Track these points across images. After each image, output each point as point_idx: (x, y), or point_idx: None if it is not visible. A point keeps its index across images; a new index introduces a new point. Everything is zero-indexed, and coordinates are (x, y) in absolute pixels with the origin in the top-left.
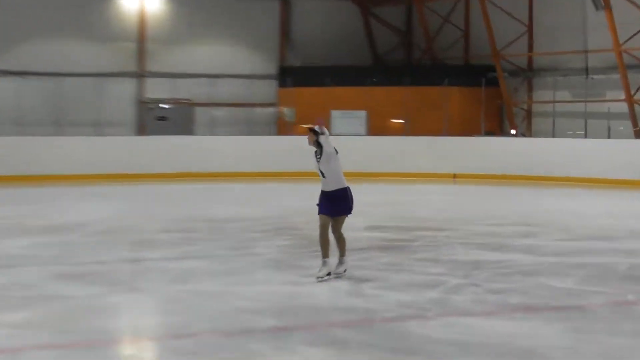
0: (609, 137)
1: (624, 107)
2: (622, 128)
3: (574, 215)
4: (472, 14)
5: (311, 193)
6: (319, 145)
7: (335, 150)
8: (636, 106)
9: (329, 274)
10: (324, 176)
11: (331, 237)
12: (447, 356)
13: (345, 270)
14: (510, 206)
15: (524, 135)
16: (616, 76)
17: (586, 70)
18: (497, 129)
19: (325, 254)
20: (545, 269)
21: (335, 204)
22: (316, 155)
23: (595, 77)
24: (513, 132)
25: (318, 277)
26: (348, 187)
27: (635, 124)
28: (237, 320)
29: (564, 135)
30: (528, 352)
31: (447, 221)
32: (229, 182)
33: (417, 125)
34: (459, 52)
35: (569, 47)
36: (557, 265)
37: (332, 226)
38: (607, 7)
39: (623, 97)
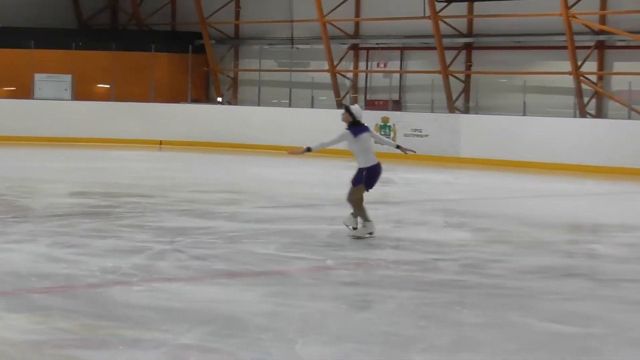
0: (312, 106)
1: (327, 77)
2: (324, 98)
3: (279, 183)
4: None
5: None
6: (349, 125)
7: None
8: (339, 76)
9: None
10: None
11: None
12: (151, 322)
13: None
14: (216, 173)
15: (229, 103)
16: (320, 46)
17: (291, 40)
18: (204, 96)
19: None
20: (249, 235)
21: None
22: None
23: (300, 46)
24: (219, 99)
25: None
26: (364, 168)
27: (337, 94)
28: None
29: (269, 103)
30: (231, 317)
31: (153, 188)
32: None
33: (124, 91)
34: (167, 18)
35: (275, 16)
36: (261, 232)
37: None
38: None
39: (326, 67)
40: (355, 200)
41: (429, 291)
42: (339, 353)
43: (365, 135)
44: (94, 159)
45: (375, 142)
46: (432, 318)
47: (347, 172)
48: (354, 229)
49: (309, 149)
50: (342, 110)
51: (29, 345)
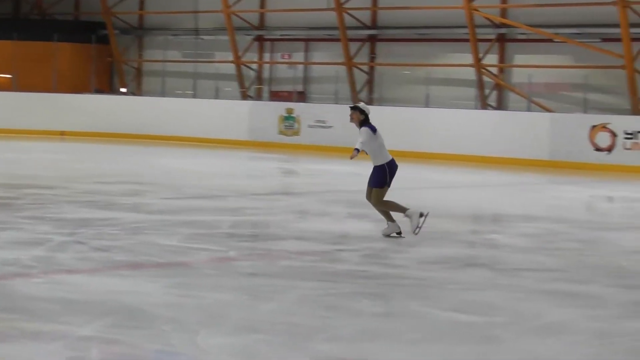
0: (217, 97)
1: (231, 68)
2: (229, 89)
3: (182, 174)
4: None
5: None
6: (361, 125)
7: (372, 129)
8: (243, 67)
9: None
10: (366, 153)
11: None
12: (52, 314)
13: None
14: (120, 164)
15: (134, 94)
16: (225, 38)
17: (196, 31)
18: (108, 86)
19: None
20: (152, 226)
21: (370, 179)
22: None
23: (205, 37)
24: (123, 90)
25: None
26: (384, 164)
27: (242, 85)
28: None
29: (173, 94)
30: (133, 308)
31: (55, 179)
32: None
33: (26, 81)
34: (69, 7)
35: (180, 7)
36: (164, 223)
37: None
38: None
39: (231, 58)
40: (384, 202)
41: (332, 281)
42: (241, 343)
43: (378, 131)
44: None
45: None
46: (334, 308)
47: (250, 163)
48: (398, 234)
49: (357, 150)
50: (350, 111)
51: None
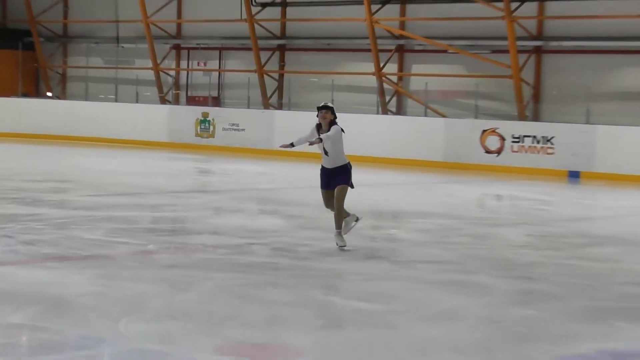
0: (137, 101)
1: (151, 74)
2: (148, 94)
3: (105, 173)
4: None
5: None
6: (330, 125)
7: (342, 130)
8: (162, 74)
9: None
10: (327, 154)
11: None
12: None
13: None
14: (45, 164)
15: (58, 98)
16: (144, 46)
17: (117, 39)
18: (34, 91)
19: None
20: (76, 221)
21: (334, 178)
22: (319, 133)
23: (125, 45)
24: (49, 94)
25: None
26: (348, 163)
27: (161, 91)
28: None
29: (96, 99)
30: (59, 297)
31: None
32: None
33: None
34: None
35: (102, 16)
36: (87, 218)
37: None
38: None
39: (150, 65)
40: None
41: (244, 272)
42: (160, 330)
43: None
44: None
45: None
46: (246, 297)
47: (169, 163)
48: (357, 220)
49: (320, 140)
50: (323, 111)
51: None
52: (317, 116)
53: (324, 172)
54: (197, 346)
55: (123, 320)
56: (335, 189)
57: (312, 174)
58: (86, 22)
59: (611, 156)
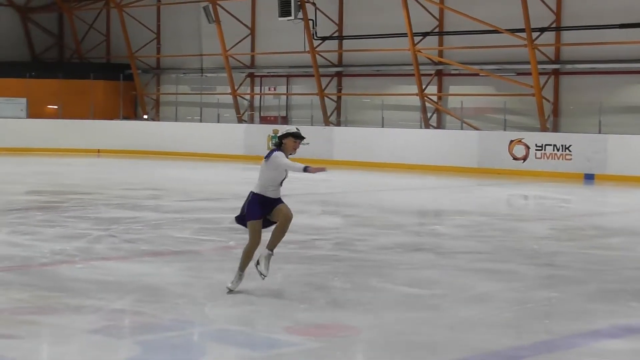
0: (218, 121)
1: (229, 98)
2: (228, 115)
3: (192, 182)
4: (112, 22)
5: None
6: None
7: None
8: (239, 98)
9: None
10: (281, 185)
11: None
12: (90, 292)
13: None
14: (142, 175)
15: (153, 120)
16: (224, 75)
17: (201, 70)
18: (133, 114)
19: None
20: (169, 223)
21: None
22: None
23: (208, 75)
24: (145, 117)
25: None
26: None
27: (238, 112)
28: None
29: (184, 120)
30: (154, 287)
31: (93, 187)
32: None
33: (69, 111)
34: (102, 52)
35: (189, 51)
36: (178, 220)
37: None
38: (217, 21)
39: (229, 91)
40: None
41: (309, 264)
42: (239, 313)
43: None
44: (45, 165)
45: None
46: (311, 285)
47: (245, 172)
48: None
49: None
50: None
51: None
52: (285, 143)
53: (267, 202)
54: (270, 327)
55: (208, 305)
56: (286, 216)
57: (364, 180)
58: (175, 56)
59: (621, 161)
